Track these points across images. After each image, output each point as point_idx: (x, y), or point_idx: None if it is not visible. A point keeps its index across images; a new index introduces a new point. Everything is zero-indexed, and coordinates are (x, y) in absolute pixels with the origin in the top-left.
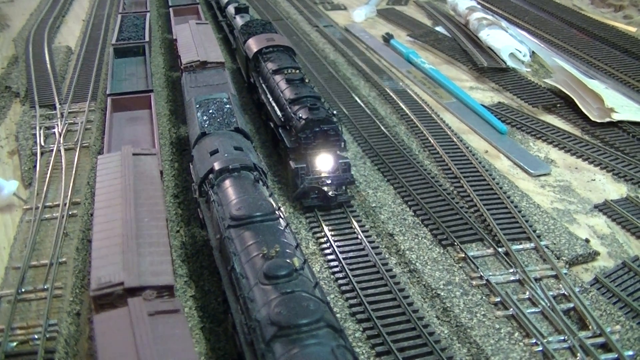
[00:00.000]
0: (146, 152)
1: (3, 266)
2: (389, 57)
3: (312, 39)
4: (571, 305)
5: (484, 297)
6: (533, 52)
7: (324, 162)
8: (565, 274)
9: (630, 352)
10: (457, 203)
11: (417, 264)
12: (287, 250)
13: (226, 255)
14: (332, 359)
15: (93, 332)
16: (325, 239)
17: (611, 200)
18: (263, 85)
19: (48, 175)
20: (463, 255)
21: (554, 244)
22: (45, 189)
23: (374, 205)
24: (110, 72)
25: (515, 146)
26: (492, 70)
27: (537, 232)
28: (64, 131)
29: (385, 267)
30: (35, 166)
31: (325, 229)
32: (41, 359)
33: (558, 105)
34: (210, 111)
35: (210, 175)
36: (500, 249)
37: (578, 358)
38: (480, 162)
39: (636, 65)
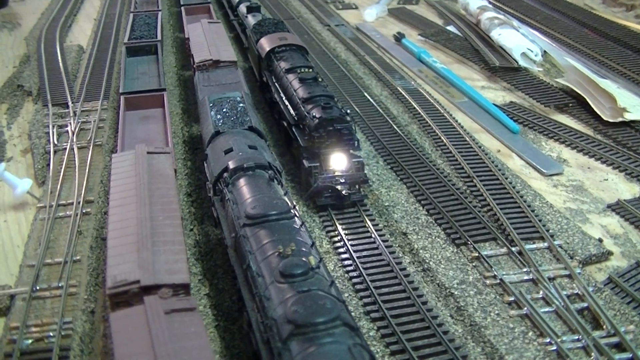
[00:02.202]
0: (160, 151)
1: (17, 264)
2: (401, 56)
3: (324, 38)
4: (585, 304)
5: (497, 297)
6: (545, 51)
7: (337, 161)
8: (579, 273)
9: None
10: (470, 202)
11: (431, 263)
12: (303, 249)
13: (241, 253)
14: (349, 357)
15: (109, 330)
16: (339, 237)
17: (624, 200)
18: (276, 84)
19: (61, 173)
20: (477, 255)
21: (567, 243)
22: (58, 187)
23: (387, 204)
24: (123, 71)
25: (528, 146)
26: (504, 69)
27: (551, 231)
28: (76, 130)
29: (399, 266)
30: (48, 164)
31: (339, 227)
32: (56, 357)
33: (570, 104)
34: (224, 110)
35: (225, 174)
36: (513, 248)
37: (592, 358)
38: (492, 162)
39: None
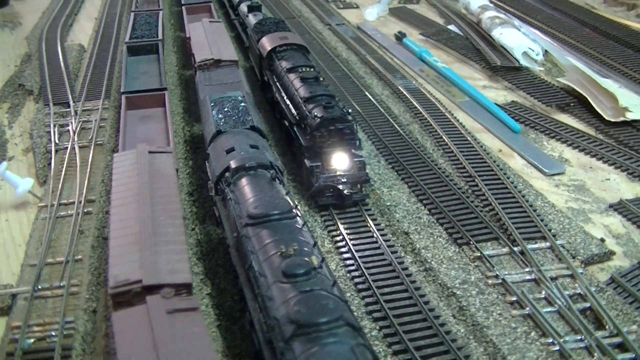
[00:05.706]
0: (162, 150)
1: (19, 263)
2: (402, 55)
3: (325, 37)
4: (587, 304)
5: (499, 297)
6: (546, 50)
7: (338, 161)
8: (581, 273)
9: None
10: (472, 202)
11: (433, 262)
12: (305, 249)
13: (243, 253)
14: (352, 357)
15: (111, 330)
16: (340, 237)
17: (626, 200)
18: (277, 83)
19: (63, 172)
20: (478, 254)
21: (570, 243)
22: (60, 186)
23: (388, 203)
24: (124, 70)
25: (529, 145)
26: (505, 69)
27: (553, 231)
28: (78, 129)
29: (401, 266)
30: (49, 164)
31: (341, 227)
32: (58, 356)
33: (572, 104)
34: (225, 109)
35: (227, 174)
36: (515, 248)
37: (595, 358)
38: (494, 161)
39: None
